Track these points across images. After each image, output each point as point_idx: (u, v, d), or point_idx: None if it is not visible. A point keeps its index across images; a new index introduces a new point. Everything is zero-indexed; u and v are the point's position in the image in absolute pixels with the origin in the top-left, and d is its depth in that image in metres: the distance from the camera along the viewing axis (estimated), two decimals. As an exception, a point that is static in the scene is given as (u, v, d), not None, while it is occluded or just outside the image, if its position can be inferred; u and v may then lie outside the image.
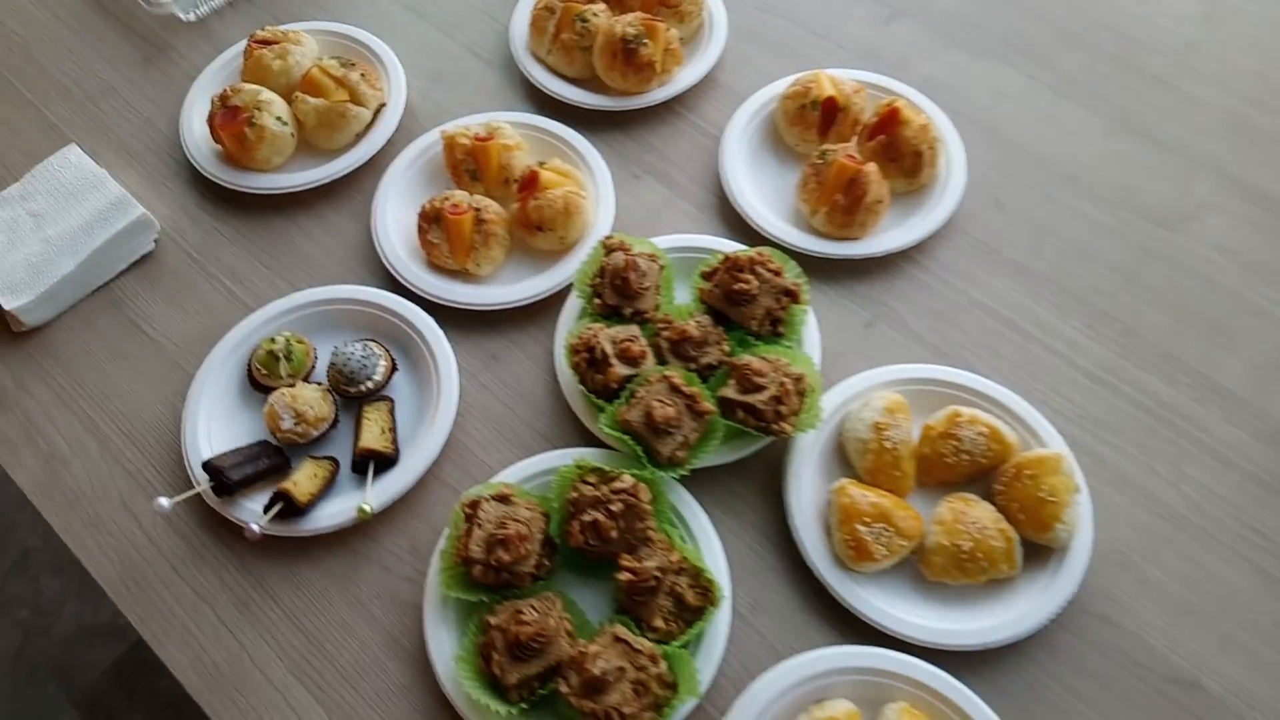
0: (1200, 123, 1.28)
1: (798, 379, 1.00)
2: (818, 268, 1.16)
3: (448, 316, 1.15)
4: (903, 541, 0.96)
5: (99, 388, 1.15)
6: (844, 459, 1.04)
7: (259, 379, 1.10)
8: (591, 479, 0.96)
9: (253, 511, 1.01)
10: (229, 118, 1.23)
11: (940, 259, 1.18)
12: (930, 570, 0.96)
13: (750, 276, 1.05)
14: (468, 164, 1.21)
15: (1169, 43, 1.35)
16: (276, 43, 1.30)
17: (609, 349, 1.03)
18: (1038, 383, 1.09)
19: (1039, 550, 0.97)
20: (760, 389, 0.99)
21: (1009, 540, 0.95)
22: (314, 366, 1.12)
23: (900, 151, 1.18)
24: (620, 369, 1.02)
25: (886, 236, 1.17)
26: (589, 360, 1.03)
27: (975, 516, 0.96)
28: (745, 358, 1.01)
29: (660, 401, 0.97)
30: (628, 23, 1.26)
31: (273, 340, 1.10)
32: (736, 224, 1.21)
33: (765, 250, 1.09)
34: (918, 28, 1.39)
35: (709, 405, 0.98)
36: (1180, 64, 1.33)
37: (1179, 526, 1.01)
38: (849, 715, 0.87)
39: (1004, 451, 1.00)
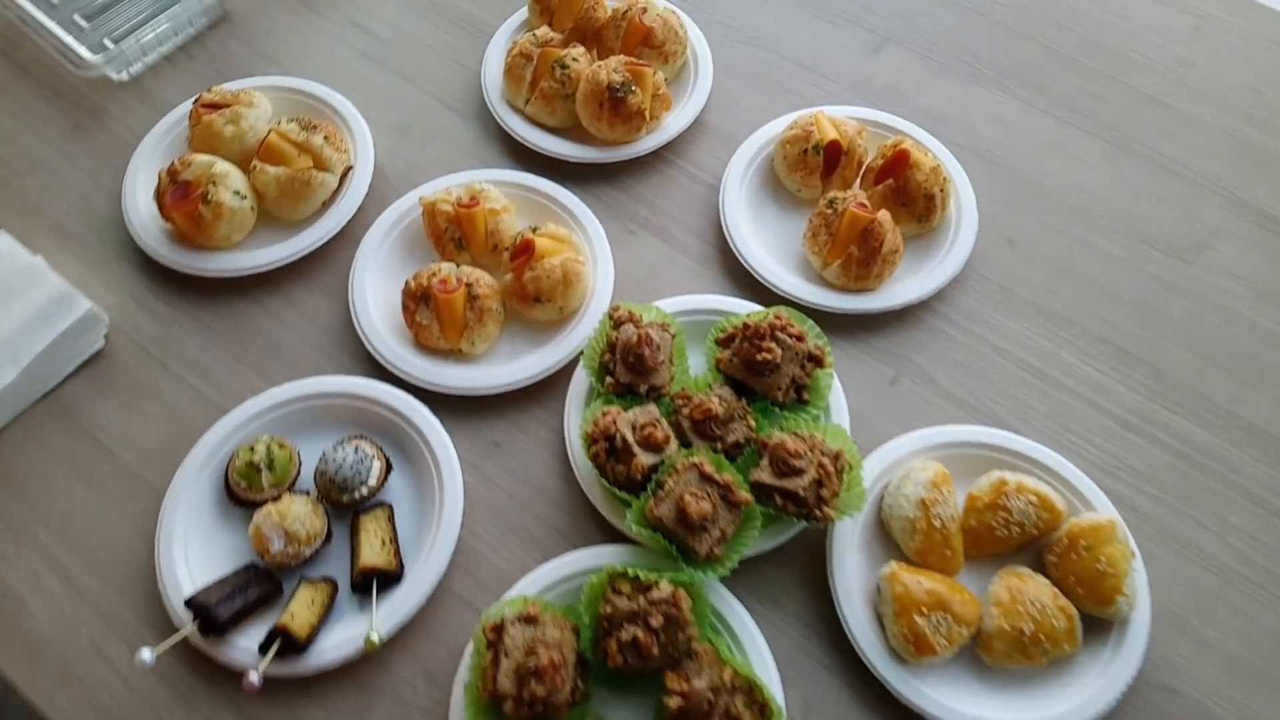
0: (1200, 143, 1.24)
1: (836, 456, 0.92)
2: (834, 323, 1.08)
3: (442, 402, 1.04)
4: (962, 629, 0.88)
5: (55, 512, 1.00)
6: (887, 536, 0.96)
7: (239, 492, 0.97)
8: (625, 588, 0.87)
9: (245, 650, 0.89)
10: (180, 195, 1.09)
11: (958, 305, 1.11)
12: (991, 656, 0.89)
13: (772, 344, 0.96)
14: (452, 232, 1.10)
15: (1160, 59, 1.31)
16: (226, 105, 1.16)
17: (630, 436, 0.93)
18: (1071, 434, 1.03)
19: (1097, 622, 0.91)
20: (798, 472, 0.90)
21: (1070, 618, 0.89)
22: (299, 473, 1.00)
23: (911, 196, 1.10)
24: (644, 458, 0.92)
25: (903, 287, 1.10)
26: (609, 450, 0.94)
27: (1034, 595, 0.89)
28: (777, 436, 0.93)
29: (693, 495, 0.88)
30: (613, 69, 1.16)
31: (251, 448, 0.97)
32: (743, 279, 1.12)
33: (783, 312, 1.00)
34: (907, 55, 1.32)
35: (745, 495, 0.90)
36: (1174, 81, 1.29)
37: (1228, 580, 0.96)
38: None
39: (1053, 519, 0.94)
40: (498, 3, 1.36)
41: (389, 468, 1.00)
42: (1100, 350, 1.08)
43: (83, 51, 1.22)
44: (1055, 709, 0.87)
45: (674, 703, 0.81)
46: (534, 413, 1.06)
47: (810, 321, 1.02)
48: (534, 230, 1.09)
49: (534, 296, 1.07)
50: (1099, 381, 1.06)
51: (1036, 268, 1.14)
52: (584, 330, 1.07)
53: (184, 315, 1.12)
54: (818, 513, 0.90)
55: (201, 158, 1.12)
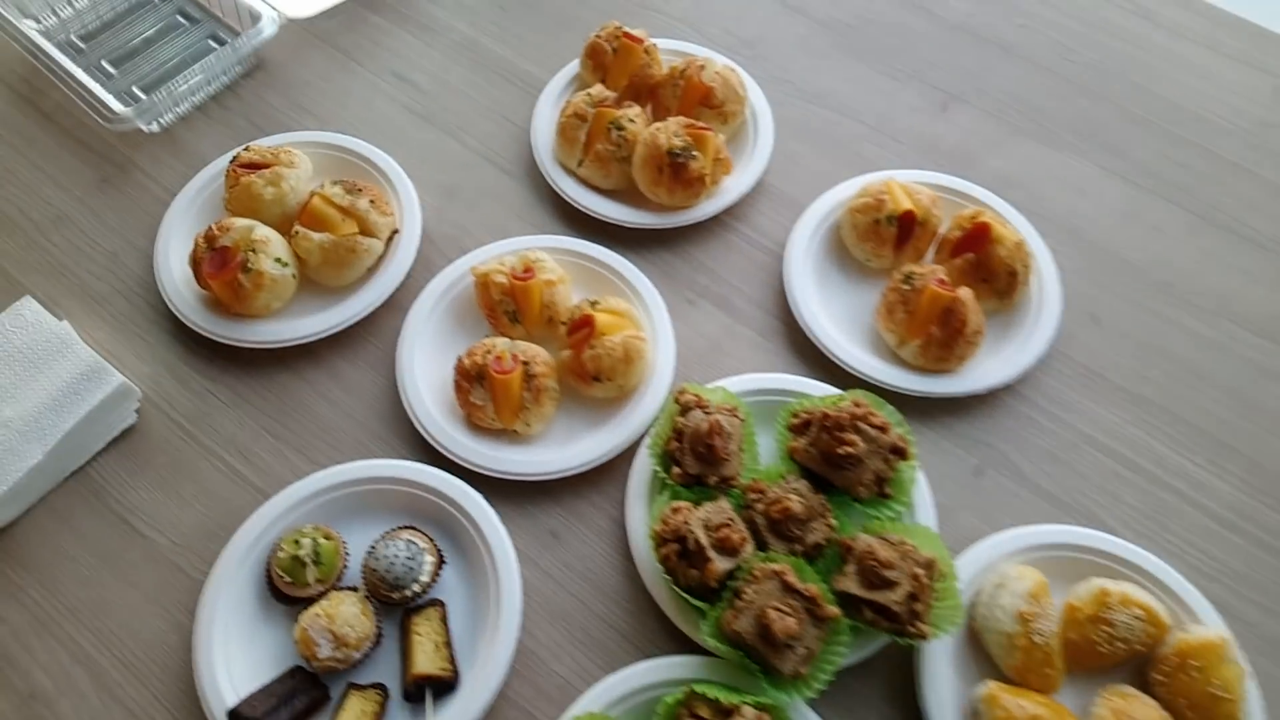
0: (1287, 214, 1.18)
1: (929, 565, 0.86)
2: (911, 406, 1.02)
3: (495, 487, 0.98)
4: (1066, 756, 0.83)
5: (84, 602, 0.95)
6: (981, 649, 0.90)
7: (282, 588, 0.91)
8: (703, 712, 0.80)
9: (292, 766, 0.83)
10: (219, 263, 1.04)
11: (1042, 388, 1.05)
12: (1095, 782, 0.83)
13: (854, 437, 0.90)
14: (506, 305, 1.04)
15: (1241, 124, 1.25)
16: (265, 165, 1.11)
17: (704, 538, 0.87)
18: (1169, 534, 0.97)
19: (1209, 747, 0.85)
20: (890, 584, 0.84)
21: (1182, 746, 0.83)
22: (345, 566, 0.94)
23: (993, 272, 1.05)
24: (720, 563, 0.86)
25: (985, 368, 1.04)
26: (680, 552, 0.88)
27: (1141, 719, 0.83)
28: (864, 540, 0.87)
29: (777, 610, 0.82)
30: (673, 133, 1.11)
31: (296, 541, 0.91)
32: (811, 355, 1.07)
33: (863, 399, 0.94)
34: (976, 115, 1.26)
35: (834, 609, 0.83)
36: (1257, 147, 1.23)
37: (1343, 695, 0.90)
38: None
39: (1159, 633, 0.87)
40: (546, 55, 1.31)
41: (441, 561, 0.94)
42: (1194, 440, 1.02)
43: (112, 103, 1.17)
44: (1168, 846, 0.81)
45: (762, 843, 0.76)
46: (593, 499, 1.00)
47: (889, 407, 0.96)
48: (593, 304, 1.03)
49: (594, 375, 1.01)
50: (1195, 475, 1.00)
51: (1123, 348, 1.08)
52: (645, 409, 1.02)
53: (220, 387, 1.07)
54: (911, 629, 0.84)
55: (240, 222, 1.07)
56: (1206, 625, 0.88)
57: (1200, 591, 0.90)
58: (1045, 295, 1.08)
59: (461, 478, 0.98)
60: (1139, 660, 0.89)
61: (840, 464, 0.91)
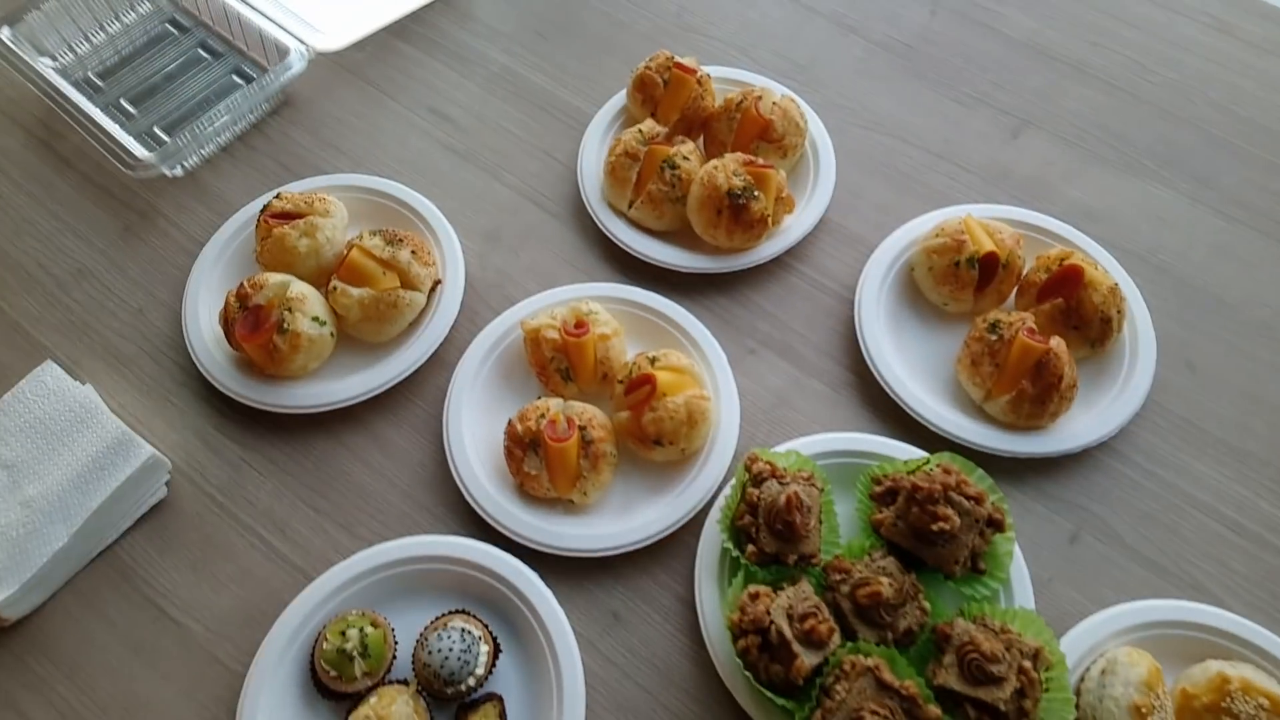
0: (1391, 243, 1.10)
1: (1035, 655, 0.78)
2: (1000, 466, 0.94)
3: (550, 562, 0.91)
4: None
5: (116, 698, 0.88)
6: (1089, 739, 0.83)
7: (327, 682, 0.84)
8: (797, 825, 0.74)
9: None
10: (252, 324, 0.97)
11: (1138, 444, 0.98)
12: None
13: (948, 511, 0.83)
14: (558, 362, 0.97)
15: (1337, 146, 1.17)
16: (299, 215, 1.04)
17: (788, 630, 0.80)
18: (1283, 608, 0.90)
19: None
20: (996, 680, 0.76)
21: None
22: (395, 656, 0.87)
23: (1085, 319, 0.97)
24: (807, 659, 0.79)
25: (1078, 425, 0.96)
26: (761, 644, 0.80)
27: (1275, 824, 0.76)
28: (963, 628, 0.79)
29: (875, 713, 0.75)
30: (732, 172, 1.03)
31: (342, 632, 0.84)
32: (888, 410, 0.99)
33: (952, 464, 0.87)
34: (1049, 141, 1.18)
35: (935, 710, 0.76)
36: (1354, 171, 1.15)
37: None
38: None
39: (1287, 723, 0.80)
40: (588, 85, 1.24)
41: (497, 650, 0.87)
42: (1305, 500, 0.95)
43: (135, 148, 1.10)
44: None
45: None
46: (656, 575, 0.93)
47: (979, 471, 0.88)
48: (652, 361, 0.96)
49: (654, 439, 0.93)
50: (1309, 538, 0.93)
51: (1222, 396, 1.00)
52: (709, 474, 0.94)
53: (255, 455, 1.00)
54: (1018, 726, 0.77)
55: (274, 278, 1.00)
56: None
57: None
58: (1139, 341, 1.00)
59: (514, 553, 0.91)
60: (1264, 754, 0.81)
61: (933, 540, 0.83)
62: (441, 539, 0.92)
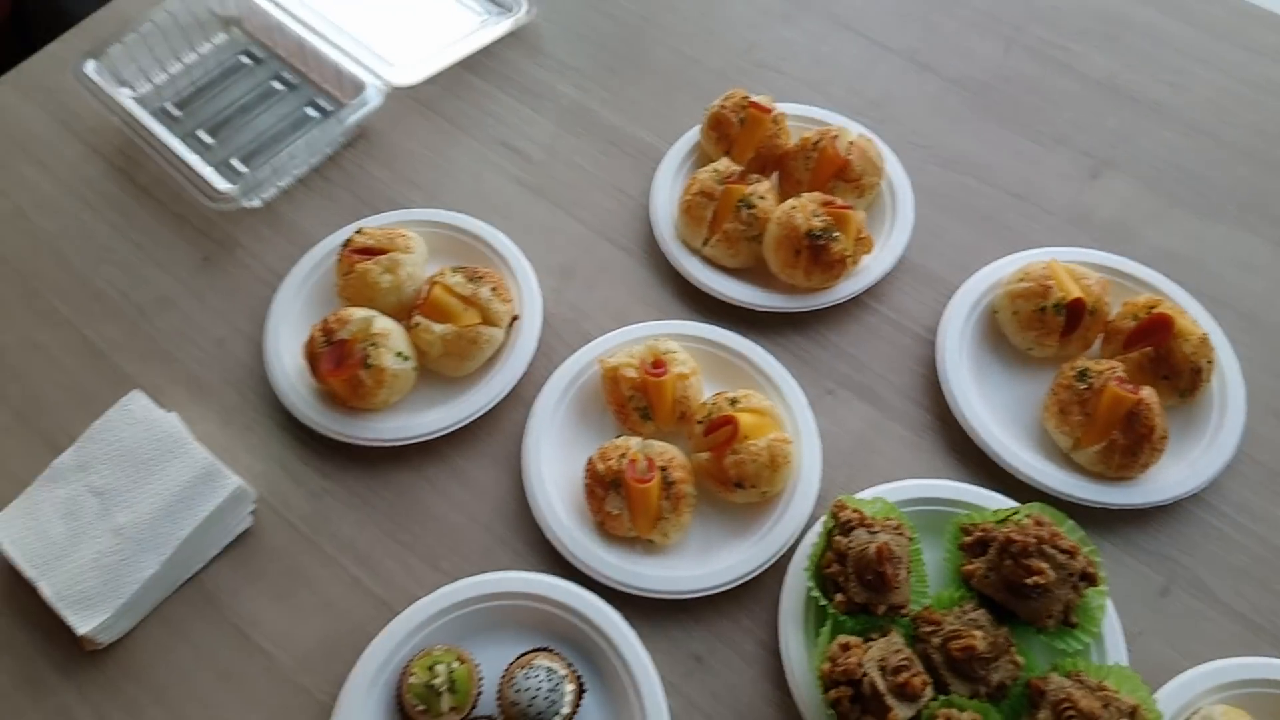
0: None
1: (1132, 713, 0.78)
2: (1089, 517, 0.94)
3: (630, 603, 0.92)
4: None
5: (204, 725, 0.91)
6: (1183, 801, 0.83)
7: (414, 716, 0.86)
8: None
9: None
10: (337, 358, 0.99)
11: (1228, 496, 0.98)
12: None
13: (1043, 565, 0.83)
14: (636, 401, 0.99)
15: None
16: (380, 250, 1.07)
17: (881, 683, 0.80)
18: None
19: None
20: (1093, 740, 0.77)
21: None
22: (480, 691, 0.89)
23: (1176, 369, 0.97)
24: (902, 712, 0.80)
25: (1168, 476, 0.96)
26: (853, 696, 0.81)
27: None
28: (1059, 686, 0.80)
29: (973, 771, 0.76)
30: (811, 213, 1.05)
31: (430, 667, 0.86)
32: (973, 456, 1.00)
33: (1044, 516, 0.88)
34: (1130, 183, 1.19)
35: (1033, 767, 0.77)
36: None
37: None
38: None
39: (1394, 788, 0.80)
40: (660, 122, 1.26)
41: (582, 690, 0.88)
42: None
43: (216, 180, 1.14)
44: None
45: None
46: (738, 619, 0.94)
47: (1070, 523, 0.89)
48: (733, 403, 0.98)
49: (735, 482, 0.95)
50: None
51: (1316, 449, 1.00)
52: (790, 518, 0.95)
53: (337, 487, 1.02)
54: (1116, 787, 0.77)
55: (359, 313, 1.02)
56: None
57: None
58: (1228, 391, 1.00)
59: (593, 591, 0.93)
60: (1369, 819, 0.81)
61: (1026, 594, 0.84)
62: (525, 575, 0.94)
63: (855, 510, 0.90)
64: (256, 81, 1.34)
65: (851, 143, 1.13)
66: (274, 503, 1.02)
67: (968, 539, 0.90)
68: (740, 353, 1.05)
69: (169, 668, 0.94)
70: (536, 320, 1.08)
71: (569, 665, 0.89)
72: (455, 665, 0.88)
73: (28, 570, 0.96)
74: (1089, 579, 0.86)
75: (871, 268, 1.10)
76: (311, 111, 1.30)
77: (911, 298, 1.11)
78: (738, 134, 1.16)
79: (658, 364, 1.01)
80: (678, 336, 1.06)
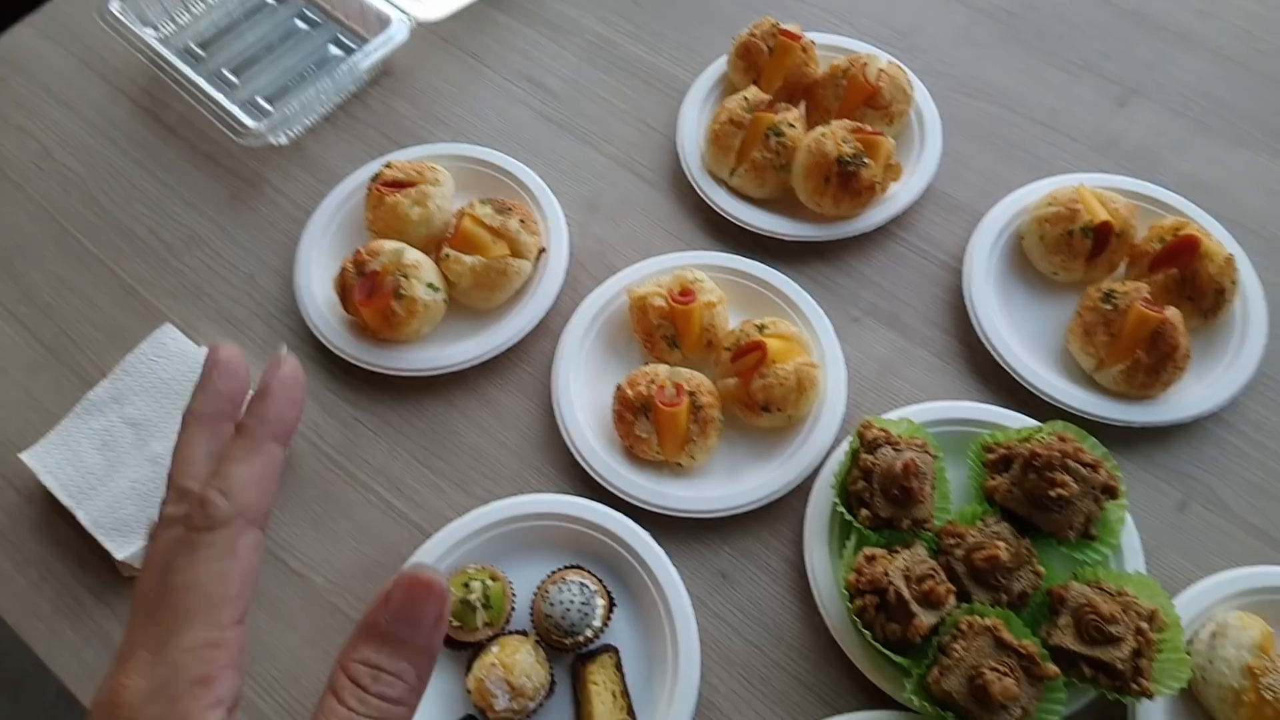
0: None
1: (1151, 617, 0.82)
2: (1111, 436, 0.97)
3: (658, 523, 0.96)
4: (1310, 826, 0.78)
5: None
6: (1197, 704, 0.86)
7: (450, 633, 0.91)
8: (916, 776, 0.78)
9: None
10: (370, 289, 1.03)
11: (1248, 415, 1.00)
12: None
13: (1066, 478, 0.86)
14: (664, 329, 1.02)
15: None
16: (410, 184, 1.10)
17: (905, 591, 0.84)
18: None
19: None
20: (1114, 640, 0.80)
21: None
22: (513, 608, 0.93)
23: (1200, 290, 0.99)
24: (925, 618, 0.83)
25: (1190, 395, 0.99)
26: (879, 604, 0.85)
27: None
28: (1078, 591, 0.83)
29: (995, 669, 0.79)
30: (842, 139, 1.06)
31: (466, 585, 0.90)
32: (997, 379, 1.03)
33: (1068, 433, 0.90)
34: (1157, 111, 1.20)
35: (1053, 668, 0.80)
36: None
37: None
38: None
39: None
40: (685, 54, 1.28)
41: (612, 604, 0.92)
42: None
43: (243, 117, 1.16)
44: None
45: None
46: (763, 538, 0.97)
47: (1092, 440, 0.91)
48: (760, 329, 1.00)
49: (762, 405, 0.98)
50: None
51: (1339, 370, 1.02)
52: (816, 441, 0.99)
53: (369, 416, 1.06)
54: (1135, 686, 0.80)
55: (389, 245, 1.05)
56: None
57: None
58: (1250, 312, 1.02)
59: (623, 513, 0.96)
60: (1381, 720, 0.84)
61: (1049, 507, 0.87)
62: (556, 497, 0.97)
63: (882, 429, 0.93)
64: (279, 20, 1.36)
65: (881, 70, 1.14)
66: (307, 433, 1.06)
67: (991, 456, 0.93)
68: (767, 282, 1.08)
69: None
70: (564, 253, 1.11)
71: (600, 581, 0.93)
72: (489, 582, 0.92)
73: (65, 499, 1.00)
74: (1110, 492, 0.89)
75: (898, 196, 1.12)
76: (335, 49, 1.32)
77: (938, 226, 1.13)
78: (766, 62, 1.17)
79: (685, 292, 1.04)
80: (704, 267, 1.08)
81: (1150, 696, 0.80)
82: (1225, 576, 0.90)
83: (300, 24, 1.35)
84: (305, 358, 1.10)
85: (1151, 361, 0.95)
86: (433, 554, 0.94)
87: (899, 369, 1.05)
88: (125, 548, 0.96)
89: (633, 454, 1.00)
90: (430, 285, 1.04)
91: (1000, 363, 1.01)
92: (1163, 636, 0.83)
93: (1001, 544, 0.86)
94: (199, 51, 1.34)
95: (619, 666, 0.90)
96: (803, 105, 1.19)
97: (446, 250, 1.06)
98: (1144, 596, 0.84)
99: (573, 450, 1.00)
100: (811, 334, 1.04)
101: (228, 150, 1.25)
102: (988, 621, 0.82)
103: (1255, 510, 0.96)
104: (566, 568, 0.94)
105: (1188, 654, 0.85)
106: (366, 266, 1.04)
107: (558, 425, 1.01)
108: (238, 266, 1.17)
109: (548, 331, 1.08)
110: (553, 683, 0.90)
